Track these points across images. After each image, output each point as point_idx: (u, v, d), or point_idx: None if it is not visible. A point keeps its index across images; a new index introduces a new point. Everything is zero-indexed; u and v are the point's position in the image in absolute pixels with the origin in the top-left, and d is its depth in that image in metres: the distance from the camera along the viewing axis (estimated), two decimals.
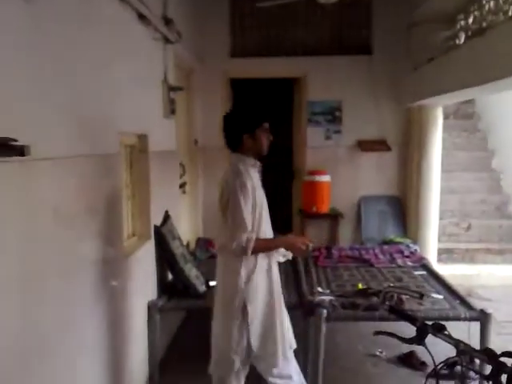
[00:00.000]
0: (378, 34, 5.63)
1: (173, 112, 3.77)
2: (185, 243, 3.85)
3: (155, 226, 3.17)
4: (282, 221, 6.20)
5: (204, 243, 4.63)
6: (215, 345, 2.44)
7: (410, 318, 1.75)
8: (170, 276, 3.23)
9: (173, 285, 3.18)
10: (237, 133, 2.36)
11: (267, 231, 2.44)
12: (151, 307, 2.98)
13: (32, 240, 1.71)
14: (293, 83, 6.08)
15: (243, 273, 2.30)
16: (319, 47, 5.65)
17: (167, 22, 3.56)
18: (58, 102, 1.92)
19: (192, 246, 4.63)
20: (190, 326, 3.94)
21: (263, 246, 2.33)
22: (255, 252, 2.27)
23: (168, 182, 3.85)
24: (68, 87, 2.02)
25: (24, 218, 1.66)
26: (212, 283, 3.33)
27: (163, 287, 3.16)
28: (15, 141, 1.36)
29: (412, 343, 1.68)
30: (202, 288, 3.16)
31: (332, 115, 5.74)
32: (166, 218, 3.39)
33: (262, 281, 2.36)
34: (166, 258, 3.13)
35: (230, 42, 5.63)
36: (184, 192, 4.60)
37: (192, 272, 3.17)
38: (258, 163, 2.42)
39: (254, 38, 5.64)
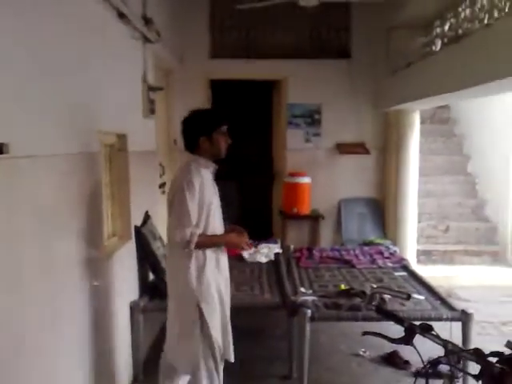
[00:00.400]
0: (357, 38, 5.68)
1: (152, 112, 3.73)
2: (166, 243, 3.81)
3: (135, 226, 3.16)
4: (262, 222, 6.24)
5: None
6: (175, 345, 2.41)
7: (397, 319, 1.76)
8: (151, 276, 3.19)
9: (154, 285, 3.14)
10: (193, 135, 2.39)
11: (217, 228, 2.46)
12: (133, 307, 2.96)
13: (12, 238, 1.66)
14: (272, 85, 6.09)
15: (193, 268, 2.31)
16: (299, 50, 5.67)
17: (147, 21, 3.53)
18: (37, 100, 1.87)
19: None
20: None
21: (207, 242, 2.34)
22: (199, 247, 2.30)
23: (148, 182, 3.80)
24: (47, 85, 1.97)
25: (4, 215, 1.61)
26: None
27: (145, 287, 3.15)
28: None
29: (400, 343, 1.69)
30: None
31: (311, 118, 5.76)
32: (147, 218, 3.37)
33: (212, 276, 2.37)
34: (147, 258, 3.10)
35: (210, 43, 5.61)
36: (163, 192, 4.55)
37: None
38: (212, 164, 2.44)
39: (234, 39, 5.62)
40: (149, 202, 3.69)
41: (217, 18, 5.59)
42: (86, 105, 2.43)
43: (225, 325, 2.43)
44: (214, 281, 2.37)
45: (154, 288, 3.12)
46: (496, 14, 3.50)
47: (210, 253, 2.37)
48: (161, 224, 4.05)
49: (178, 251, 2.32)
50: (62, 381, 2.08)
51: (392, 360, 3.36)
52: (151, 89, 3.68)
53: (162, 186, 4.44)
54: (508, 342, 1.38)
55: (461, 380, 2.24)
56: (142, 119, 3.58)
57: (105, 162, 2.94)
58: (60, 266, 2.07)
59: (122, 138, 3.11)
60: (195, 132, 2.39)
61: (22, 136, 1.70)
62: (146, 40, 3.60)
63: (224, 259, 2.49)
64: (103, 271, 2.64)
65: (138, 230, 3.14)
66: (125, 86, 3.21)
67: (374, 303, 2.99)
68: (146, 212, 3.41)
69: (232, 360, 2.46)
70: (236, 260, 4.16)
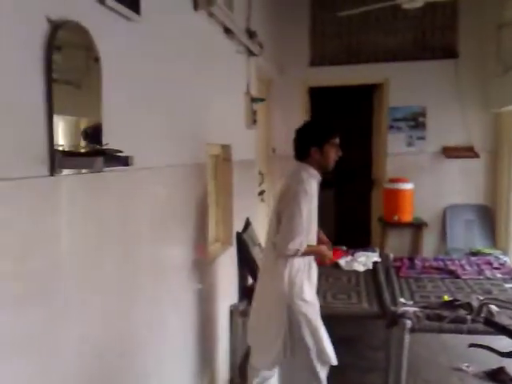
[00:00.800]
0: (465, 37, 5.40)
1: (254, 122, 3.86)
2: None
3: (237, 233, 3.27)
4: (360, 230, 6.16)
5: None
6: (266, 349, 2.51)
7: (508, 331, 1.69)
8: (250, 281, 3.31)
9: (253, 289, 3.25)
10: (305, 145, 2.45)
11: (313, 236, 2.52)
12: (233, 311, 3.06)
13: (129, 242, 1.83)
14: (372, 89, 5.99)
15: (287, 272, 2.38)
16: (401, 52, 5.52)
17: (251, 34, 3.65)
18: (156, 117, 2.07)
19: None
20: None
21: (307, 250, 2.42)
22: (302, 254, 2.38)
23: (248, 189, 3.93)
24: (164, 103, 2.16)
25: (123, 221, 1.79)
26: None
27: (244, 291, 3.23)
28: (121, 152, 1.50)
29: (510, 357, 1.63)
30: None
31: (415, 121, 5.57)
32: (247, 224, 3.49)
33: (304, 281, 2.42)
34: (246, 263, 3.20)
35: (310, 51, 5.66)
36: (262, 200, 4.68)
37: None
38: (319, 175, 2.48)
39: (334, 45, 5.62)
40: (249, 209, 3.82)
41: (317, 26, 5.63)
42: (196, 118, 2.61)
43: (317, 328, 2.46)
44: (307, 286, 2.44)
45: (252, 292, 3.23)
46: None
47: (304, 260, 2.44)
48: (260, 230, 4.20)
49: (274, 255, 2.42)
50: (167, 380, 2.21)
51: (498, 376, 3.15)
52: (254, 100, 3.81)
53: (261, 193, 4.57)
54: None
55: None
56: (244, 130, 3.72)
57: (211, 172, 3.11)
58: (169, 269, 2.23)
59: (226, 148, 3.27)
60: (307, 142, 2.45)
61: (143, 150, 1.87)
62: (250, 53, 3.73)
63: (315, 267, 2.56)
64: (207, 275, 2.78)
65: (239, 235, 3.25)
66: (230, 99, 3.36)
67: (481, 315, 2.84)
68: (247, 218, 3.52)
69: (335, 363, 2.49)
70: (332, 268, 4.16)
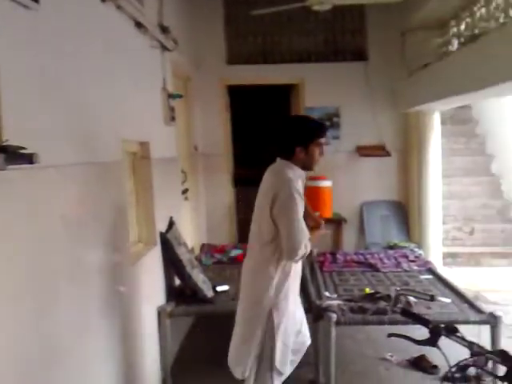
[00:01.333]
0: (373, 41, 5.65)
1: (173, 119, 3.77)
2: (190, 249, 3.83)
3: (161, 233, 3.19)
4: None
5: (209, 249, 4.62)
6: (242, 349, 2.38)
7: (423, 321, 1.74)
8: (177, 282, 3.21)
9: (180, 290, 3.17)
10: (290, 143, 2.33)
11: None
12: (161, 312, 3.01)
13: (42, 246, 1.70)
14: (289, 90, 6.09)
15: (277, 277, 2.28)
16: (315, 53, 5.67)
17: (163, 29, 3.58)
18: (61, 111, 1.92)
19: (196, 251, 4.62)
20: (199, 331, 3.90)
21: (310, 244, 2.32)
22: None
23: (171, 188, 3.83)
24: (70, 96, 2.01)
25: (33, 222, 1.65)
26: (220, 288, 3.33)
27: (171, 293, 3.18)
28: (24, 149, 1.39)
29: (426, 345, 1.67)
30: (209, 293, 3.17)
31: (330, 121, 5.73)
32: (171, 224, 3.41)
33: (290, 287, 2.34)
34: (172, 263, 3.14)
35: (227, 50, 5.64)
36: (186, 198, 4.59)
37: (199, 277, 3.17)
38: (304, 174, 2.39)
39: (250, 45, 5.65)
40: (173, 208, 3.72)
41: (232, 24, 5.63)
42: (110, 114, 2.47)
43: (289, 340, 2.36)
44: (292, 292, 2.36)
45: (180, 293, 3.15)
46: None
47: (296, 268, 2.36)
48: (185, 230, 4.10)
49: (264, 258, 2.29)
50: None
51: (420, 364, 3.31)
52: (171, 96, 3.71)
53: (184, 192, 4.47)
54: None
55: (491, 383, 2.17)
56: (163, 127, 3.62)
57: (128, 170, 2.98)
58: (89, 271, 2.11)
59: (144, 145, 3.14)
60: (292, 140, 2.32)
61: (49, 147, 1.73)
62: (164, 48, 3.65)
63: (300, 267, 2.46)
64: (130, 277, 2.66)
65: (163, 236, 3.17)
66: (146, 95, 3.25)
67: (399, 306, 2.95)
68: (171, 218, 3.45)
69: (286, 373, 2.38)
70: None
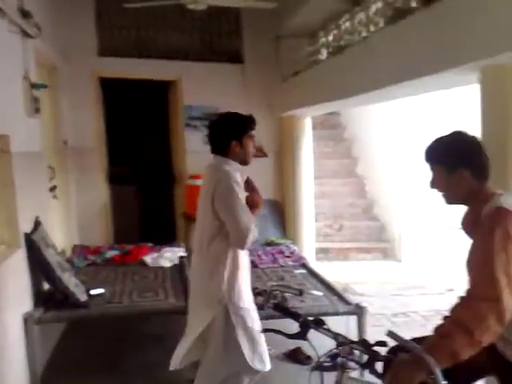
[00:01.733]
0: (249, 44, 5.77)
1: (37, 111, 3.49)
2: (60, 251, 3.59)
3: (25, 234, 2.96)
4: (164, 226, 6.11)
5: (82, 250, 4.37)
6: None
7: (293, 315, 1.81)
8: (46, 286, 2.99)
9: (50, 295, 2.95)
10: (224, 138, 2.39)
11: None
12: (27, 319, 2.79)
13: None
14: (167, 86, 5.99)
15: (227, 274, 2.32)
16: (192, 52, 5.65)
17: (24, 14, 3.30)
18: None
19: (68, 253, 4.36)
20: (72, 338, 3.63)
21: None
22: None
23: (36, 185, 3.53)
24: None
25: None
26: (94, 291, 3.16)
27: (39, 298, 2.97)
28: None
29: (297, 339, 1.74)
30: (83, 297, 3.00)
31: (209, 121, 5.73)
32: (37, 224, 3.20)
33: (243, 281, 2.39)
34: (40, 266, 2.92)
35: (98, 41, 5.37)
36: (55, 197, 4.27)
37: (71, 280, 2.99)
38: (240, 168, 2.43)
39: (123, 37, 5.46)
40: (39, 207, 3.45)
41: (103, 15, 5.38)
42: None
43: (254, 334, 2.40)
44: (245, 285, 2.40)
45: (49, 298, 2.93)
46: (372, 28, 3.77)
47: (242, 257, 2.39)
48: (54, 231, 3.82)
49: (212, 255, 2.32)
50: None
51: (295, 356, 3.43)
52: (34, 86, 3.43)
53: (52, 189, 4.16)
54: (388, 331, 1.47)
55: (361, 372, 2.32)
56: (25, 118, 3.33)
57: None
58: None
59: (3, 138, 2.85)
60: (226, 136, 2.38)
61: None
62: (26, 34, 3.36)
63: (248, 260, 2.50)
64: None
65: (28, 237, 2.94)
66: (4, 84, 2.95)
67: (272, 302, 3.04)
68: (37, 218, 3.21)
69: (266, 369, 2.46)
70: (138, 266, 4.05)
